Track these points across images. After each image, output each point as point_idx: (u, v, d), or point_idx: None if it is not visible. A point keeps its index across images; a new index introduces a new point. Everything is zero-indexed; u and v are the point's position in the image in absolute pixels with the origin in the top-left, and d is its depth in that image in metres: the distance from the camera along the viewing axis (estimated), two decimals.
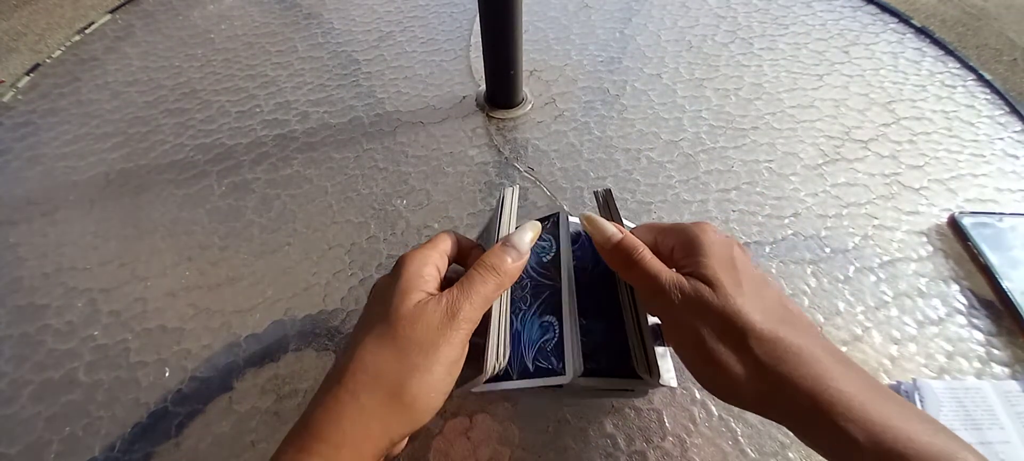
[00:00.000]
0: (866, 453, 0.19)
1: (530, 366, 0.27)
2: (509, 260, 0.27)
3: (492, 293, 0.26)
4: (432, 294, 0.25)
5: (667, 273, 0.24)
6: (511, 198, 0.32)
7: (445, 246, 0.28)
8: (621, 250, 0.26)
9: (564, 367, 0.26)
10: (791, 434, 0.30)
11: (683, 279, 0.24)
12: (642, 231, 0.28)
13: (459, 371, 0.25)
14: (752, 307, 0.22)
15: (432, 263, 0.27)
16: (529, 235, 0.28)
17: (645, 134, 0.47)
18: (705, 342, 0.22)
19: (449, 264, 0.29)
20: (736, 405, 0.23)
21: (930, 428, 0.20)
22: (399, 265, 0.27)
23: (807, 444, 0.21)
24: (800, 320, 0.23)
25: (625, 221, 0.30)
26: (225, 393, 0.33)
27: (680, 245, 0.25)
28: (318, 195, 0.43)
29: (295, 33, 0.59)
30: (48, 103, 0.52)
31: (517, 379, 0.27)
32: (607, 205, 0.31)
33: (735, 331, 0.22)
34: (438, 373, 0.24)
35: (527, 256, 0.28)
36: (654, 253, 0.26)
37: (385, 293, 0.26)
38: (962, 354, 0.33)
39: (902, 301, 0.36)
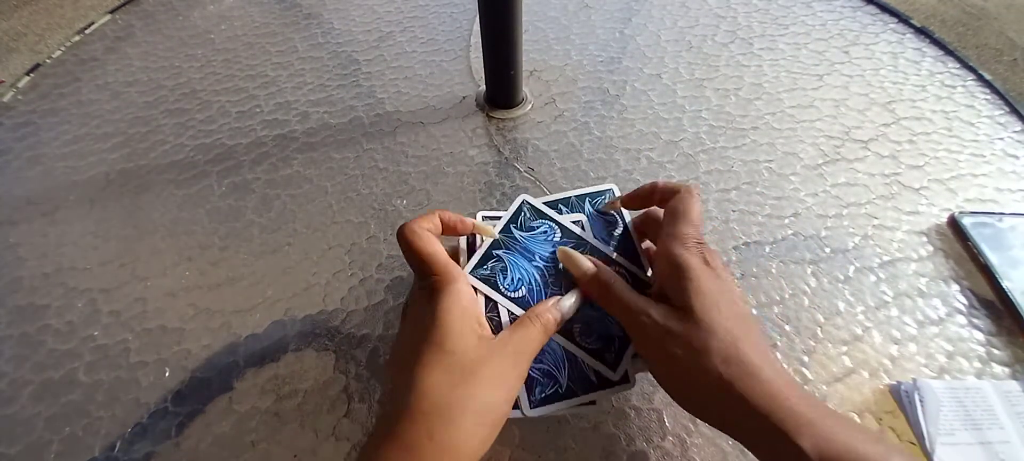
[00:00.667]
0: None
1: (592, 377, 0.27)
2: (552, 319, 0.27)
3: (537, 344, 0.26)
4: (483, 326, 0.26)
5: (639, 304, 0.25)
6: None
7: (433, 227, 0.29)
8: (598, 283, 0.27)
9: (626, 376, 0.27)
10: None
11: (653, 310, 0.25)
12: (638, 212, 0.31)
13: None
14: (716, 327, 0.23)
15: (451, 261, 0.27)
16: (572, 301, 0.28)
17: (645, 134, 0.47)
18: (676, 364, 0.24)
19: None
20: (703, 420, 0.25)
21: (871, 438, 0.21)
22: (433, 289, 0.26)
23: (759, 458, 0.23)
24: (755, 332, 0.24)
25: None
26: (225, 393, 0.33)
27: (667, 217, 0.28)
28: (318, 195, 0.43)
29: (295, 33, 0.59)
30: (48, 103, 0.52)
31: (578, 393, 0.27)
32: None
33: (701, 355, 0.23)
34: (505, 410, 0.25)
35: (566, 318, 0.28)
36: (642, 234, 0.30)
37: (431, 324, 0.25)
38: (962, 354, 0.33)
39: (902, 301, 0.36)
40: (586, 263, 0.28)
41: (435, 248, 0.27)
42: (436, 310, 0.25)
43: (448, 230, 0.29)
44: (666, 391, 0.25)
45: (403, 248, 0.27)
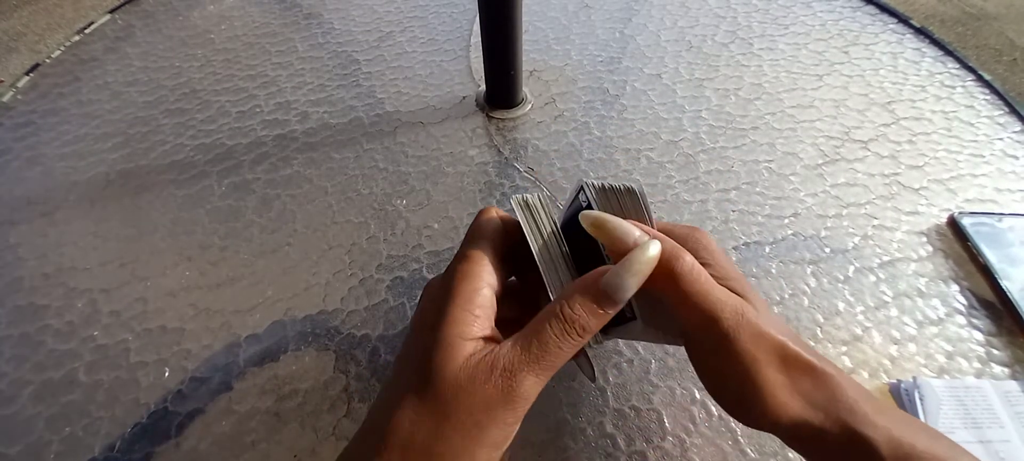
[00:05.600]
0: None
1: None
2: (599, 311, 0.20)
3: (568, 354, 0.20)
4: (487, 341, 0.20)
5: (732, 298, 0.21)
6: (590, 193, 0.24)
7: (492, 242, 0.22)
8: (661, 262, 0.21)
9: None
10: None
11: (742, 303, 0.21)
12: None
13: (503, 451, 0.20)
14: (778, 328, 0.21)
15: (484, 283, 0.21)
16: (635, 277, 0.20)
17: (645, 134, 0.47)
18: (759, 373, 0.21)
19: (502, 263, 0.23)
20: (769, 431, 0.22)
21: (932, 434, 0.21)
22: (445, 292, 0.21)
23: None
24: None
25: None
26: (225, 393, 0.33)
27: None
28: (318, 195, 0.43)
29: (295, 33, 0.59)
30: (48, 103, 0.52)
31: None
32: (619, 199, 0.24)
33: (785, 359, 0.21)
34: (481, 458, 0.19)
35: (622, 305, 0.21)
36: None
37: (426, 336, 0.20)
38: (962, 354, 0.33)
39: (902, 301, 0.36)
40: (631, 229, 0.21)
41: (490, 225, 0.23)
42: (443, 312, 0.20)
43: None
44: (724, 402, 0.23)
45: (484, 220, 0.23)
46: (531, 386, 0.19)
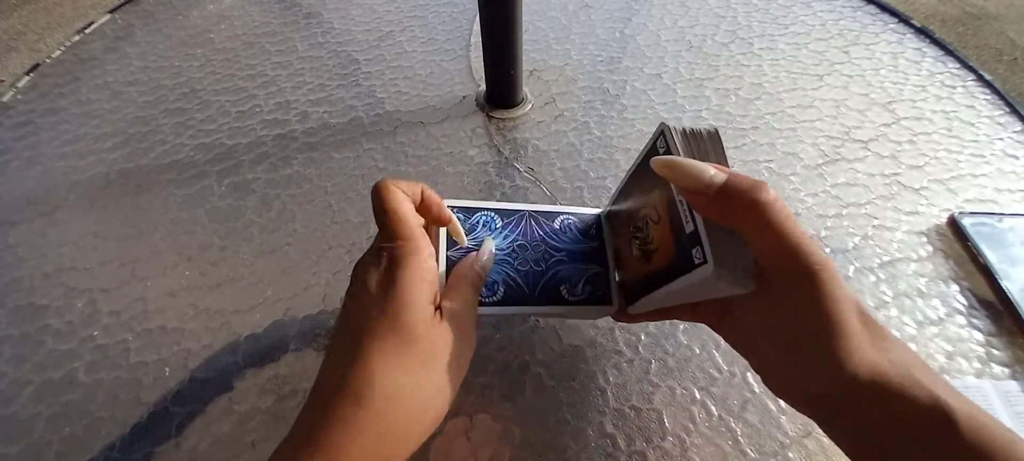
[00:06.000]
0: (964, 433, 0.19)
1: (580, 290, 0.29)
2: (479, 277, 0.27)
3: (475, 305, 0.26)
4: (437, 300, 0.25)
5: (816, 247, 0.20)
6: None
7: (412, 194, 0.26)
8: (737, 193, 0.20)
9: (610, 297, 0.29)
10: (791, 434, 0.30)
11: (812, 242, 0.20)
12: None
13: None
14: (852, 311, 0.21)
15: (423, 230, 0.26)
16: (489, 253, 0.28)
17: (645, 134, 0.47)
18: (846, 316, 0.20)
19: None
20: (832, 390, 0.21)
21: (1002, 424, 0.20)
22: (396, 254, 0.24)
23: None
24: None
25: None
26: (225, 393, 0.33)
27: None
28: (318, 195, 0.43)
29: (295, 33, 0.59)
30: (48, 103, 0.52)
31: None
32: (699, 143, 0.24)
33: (862, 313, 0.21)
34: (456, 387, 0.24)
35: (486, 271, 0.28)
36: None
37: (388, 292, 0.23)
38: (962, 354, 0.33)
39: (902, 301, 0.36)
40: (708, 168, 0.21)
41: (408, 211, 0.25)
42: (396, 279, 0.23)
43: (424, 212, 0.27)
44: (785, 368, 0.22)
45: (375, 203, 0.25)
46: (472, 318, 0.26)
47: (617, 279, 0.30)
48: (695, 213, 0.22)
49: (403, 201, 0.25)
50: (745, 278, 0.21)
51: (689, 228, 0.22)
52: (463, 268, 0.27)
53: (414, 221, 0.25)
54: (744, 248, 0.21)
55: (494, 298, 0.28)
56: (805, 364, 0.21)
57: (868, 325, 0.21)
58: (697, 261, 0.22)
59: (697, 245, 0.22)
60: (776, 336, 0.22)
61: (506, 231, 0.30)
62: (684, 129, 0.24)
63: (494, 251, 0.29)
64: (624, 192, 0.30)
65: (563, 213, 0.32)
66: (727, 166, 0.23)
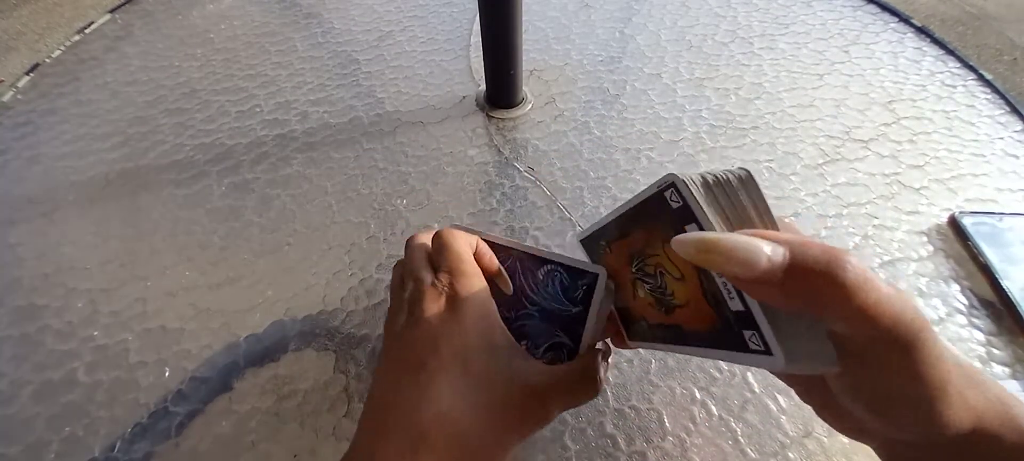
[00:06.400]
0: None
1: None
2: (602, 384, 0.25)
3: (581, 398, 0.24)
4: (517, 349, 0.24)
5: (912, 314, 0.16)
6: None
7: (469, 242, 0.26)
8: (808, 275, 0.15)
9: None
10: (791, 434, 0.30)
11: (931, 332, 0.17)
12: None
13: None
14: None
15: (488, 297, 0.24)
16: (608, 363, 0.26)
17: (645, 134, 0.47)
18: (947, 387, 0.17)
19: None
20: (923, 442, 0.19)
21: None
22: (458, 291, 0.23)
23: None
24: None
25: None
26: (225, 393, 0.33)
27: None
28: (318, 195, 0.43)
29: (295, 33, 0.59)
30: (48, 103, 0.52)
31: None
32: (730, 196, 0.18)
33: (959, 366, 0.18)
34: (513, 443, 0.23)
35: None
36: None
37: (454, 328, 0.22)
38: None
39: None
40: (762, 245, 0.16)
41: (467, 251, 0.25)
42: (463, 317, 0.22)
43: (478, 260, 0.27)
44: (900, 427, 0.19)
45: (436, 244, 0.25)
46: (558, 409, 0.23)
47: (612, 307, 0.26)
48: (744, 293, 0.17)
49: (463, 240, 0.25)
50: (826, 362, 0.17)
51: (736, 306, 0.17)
52: (598, 373, 0.24)
53: (471, 260, 0.25)
54: (818, 326, 0.17)
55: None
56: (899, 423, 0.18)
57: (961, 366, 0.18)
58: (754, 347, 0.17)
59: (752, 329, 0.17)
60: (863, 398, 0.18)
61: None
62: (706, 177, 0.17)
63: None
64: (617, 224, 0.23)
65: (553, 262, 0.26)
66: (771, 217, 0.18)
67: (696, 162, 0.44)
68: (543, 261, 0.27)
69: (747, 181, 0.17)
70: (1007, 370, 0.32)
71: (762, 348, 0.16)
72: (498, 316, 0.24)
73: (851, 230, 0.40)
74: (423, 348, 0.22)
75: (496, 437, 0.22)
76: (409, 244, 0.27)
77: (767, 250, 0.15)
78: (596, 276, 0.25)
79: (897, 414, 0.18)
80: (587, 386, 0.24)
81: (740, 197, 0.17)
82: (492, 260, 0.27)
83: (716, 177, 0.17)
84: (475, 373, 0.22)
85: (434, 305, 0.23)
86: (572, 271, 0.26)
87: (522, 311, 0.26)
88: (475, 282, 0.24)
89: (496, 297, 0.26)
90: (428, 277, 0.24)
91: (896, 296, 0.16)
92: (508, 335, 0.24)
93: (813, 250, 0.16)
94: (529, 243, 0.34)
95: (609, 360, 0.25)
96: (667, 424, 0.31)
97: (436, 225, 0.41)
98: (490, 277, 0.27)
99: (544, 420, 0.23)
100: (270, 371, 0.33)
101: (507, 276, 0.27)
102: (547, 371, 0.23)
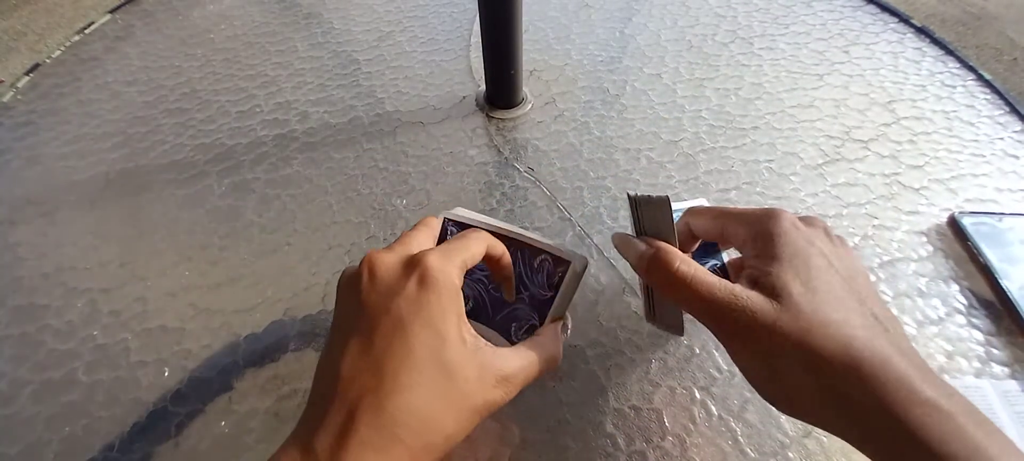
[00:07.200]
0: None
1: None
2: (557, 357, 0.26)
3: (540, 375, 0.25)
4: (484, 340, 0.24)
5: (721, 289, 0.22)
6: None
7: (478, 254, 0.26)
8: (658, 265, 0.23)
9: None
10: (791, 434, 0.30)
11: (739, 296, 0.21)
12: (706, 219, 0.26)
13: None
14: (825, 321, 0.20)
15: (458, 273, 0.24)
16: (568, 331, 0.28)
17: (645, 134, 0.47)
18: (767, 363, 0.21)
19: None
20: (809, 423, 0.22)
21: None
22: (432, 282, 0.23)
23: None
24: (882, 329, 0.21)
25: (694, 201, 0.31)
26: (225, 393, 0.33)
27: (752, 238, 0.24)
28: (318, 195, 0.43)
29: (295, 33, 0.59)
30: (48, 103, 0.52)
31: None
32: (641, 214, 0.27)
33: (802, 354, 0.20)
34: (475, 424, 0.23)
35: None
36: (724, 244, 0.27)
37: (422, 315, 0.22)
38: (962, 354, 0.33)
39: (902, 301, 0.36)
40: (640, 246, 0.25)
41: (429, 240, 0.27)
42: (432, 306, 0.22)
43: (489, 261, 0.27)
44: (756, 390, 0.22)
45: (419, 224, 0.27)
46: (521, 381, 0.24)
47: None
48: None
49: (429, 231, 0.27)
50: (678, 329, 0.30)
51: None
52: (550, 345, 0.26)
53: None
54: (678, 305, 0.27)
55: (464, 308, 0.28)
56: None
57: (824, 369, 0.20)
58: (643, 312, 0.30)
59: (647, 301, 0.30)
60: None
61: None
62: (638, 197, 0.26)
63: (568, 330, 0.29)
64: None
65: (546, 252, 0.29)
66: (672, 232, 0.26)
67: (696, 162, 0.45)
68: (538, 251, 0.29)
69: (663, 204, 0.25)
70: (1007, 370, 0.32)
71: (646, 313, 0.30)
72: (462, 307, 0.24)
73: (851, 230, 0.40)
74: (390, 327, 0.22)
75: (459, 426, 0.22)
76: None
77: (640, 248, 0.25)
78: (569, 263, 0.28)
79: (757, 388, 0.22)
80: (546, 357, 0.25)
81: (656, 214, 0.26)
82: (508, 266, 0.28)
83: (649, 197, 0.25)
84: (444, 360, 0.22)
85: (405, 279, 0.23)
86: (557, 259, 0.29)
87: (518, 296, 0.29)
88: (443, 261, 0.24)
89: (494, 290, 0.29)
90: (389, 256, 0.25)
91: (718, 288, 0.22)
92: (470, 329, 0.24)
93: (667, 252, 0.23)
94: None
95: (568, 332, 0.27)
96: (667, 424, 0.31)
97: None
98: (498, 280, 0.29)
99: (507, 398, 0.24)
100: (270, 371, 0.33)
101: (513, 282, 0.29)
102: (507, 352, 0.24)
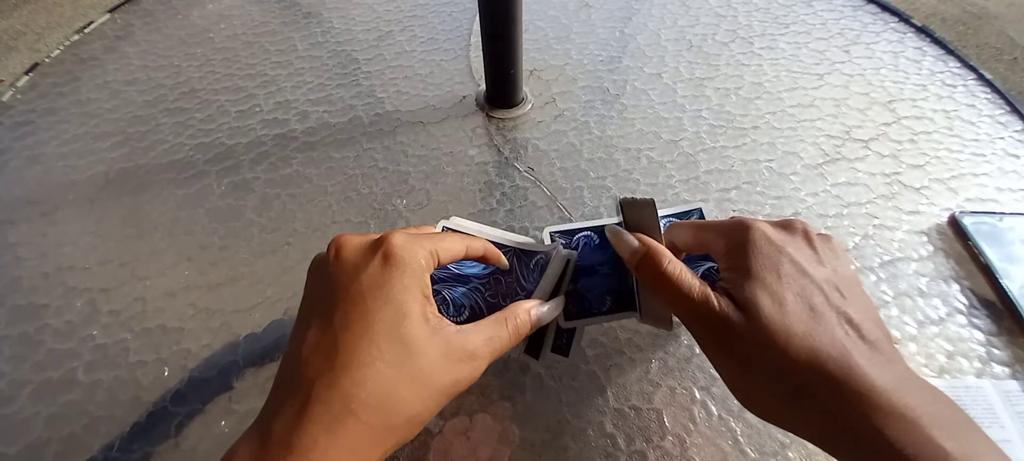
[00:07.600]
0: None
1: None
2: (526, 323, 0.26)
3: (507, 346, 0.25)
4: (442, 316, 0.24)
5: (698, 291, 0.23)
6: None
7: (453, 249, 0.26)
8: (648, 262, 0.25)
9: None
10: (791, 434, 0.30)
11: (712, 301, 0.22)
12: (687, 232, 0.27)
13: None
14: (791, 333, 0.21)
15: (425, 257, 0.24)
16: (549, 308, 0.28)
17: (645, 134, 0.47)
18: (738, 368, 0.22)
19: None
20: (781, 427, 0.23)
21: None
22: (395, 259, 0.23)
23: None
24: (856, 335, 0.21)
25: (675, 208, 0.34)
26: (225, 393, 0.33)
27: (726, 250, 0.24)
28: (318, 195, 0.43)
29: (295, 32, 0.59)
30: (47, 103, 0.52)
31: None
32: (628, 215, 0.29)
33: (768, 361, 0.21)
34: (442, 404, 0.23)
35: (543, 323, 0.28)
36: (705, 253, 0.28)
37: (385, 294, 0.22)
38: (962, 354, 0.33)
39: (902, 301, 0.36)
40: (632, 240, 0.26)
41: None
42: (392, 282, 0.22)
43: (473, 256, 0.28)
44: (730, 389, 0.23)
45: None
46: (487, 355, 0.24)
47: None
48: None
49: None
50: (665, 324, 0.29)
51: (632, 283, 0.29)
52: (517, 310, 0.26)
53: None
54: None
55: (459, 318, 0.28)
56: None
57: (787, 376, 0.21)
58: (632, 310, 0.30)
59: (635, 297, 0.29)
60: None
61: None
62: (628, 199, 0.29)
63: (553, 311, 0.28)
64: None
65: (540, 254, 0.31)
66: (659, 230, 0.28)
67: (696, 161, 0.44)
68: (534, 254, 0.32)
69: (650, 205, 0.28)
70: (1007, 370, 0.32)
71: (634, 308, 0.29)
72: (429, 288, 0.24)
73: (851, 230, 0.40)
74: (350, 303, 0.22)
75: (425, 406, 0.22)
76: None
77: (633, 244, 0.26)
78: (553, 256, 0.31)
79: (730, 387, 0.23)
80: (512, 329, 0.25)
81: (642, 213, 0.28)
82: (493, 251, 0.29)
83: (635, 199, 0.29)
84: (405, 337, 0.21)
85: (369, 257, 0.23)
86: (546, 258, 0.31)
87: (517, 299, 0.29)
88: (409, 241, 0.24)
89: (502, 288, 0.30)
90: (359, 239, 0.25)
91: (698, 291, 0.23)
92: (435, 309, 0.24)
93: (657, 251, 0.25)
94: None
95: (539, 311, 0.27)
96: (667, 424, 0.31)
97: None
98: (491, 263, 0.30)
99: (475, 374, 0.24)
100: (270, 371, 0.33)
101: (502, 255, 0.30)
102: (470, 328, 0.24)
